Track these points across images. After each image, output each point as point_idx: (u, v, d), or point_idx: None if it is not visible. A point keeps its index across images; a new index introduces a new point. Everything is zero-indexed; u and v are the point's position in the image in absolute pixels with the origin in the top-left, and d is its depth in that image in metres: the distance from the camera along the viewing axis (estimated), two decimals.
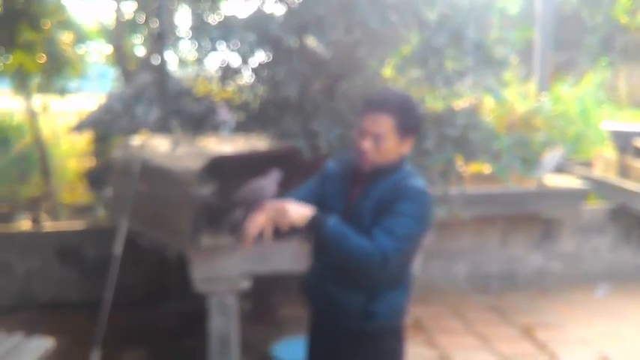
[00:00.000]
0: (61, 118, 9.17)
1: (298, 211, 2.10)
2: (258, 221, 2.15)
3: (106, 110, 5.04)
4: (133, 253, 3.95)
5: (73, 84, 8.93)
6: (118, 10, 7.74)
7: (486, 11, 4.21)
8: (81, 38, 9.07)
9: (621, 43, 12.51)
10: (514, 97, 8.06)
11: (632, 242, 6.12)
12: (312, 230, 2.12)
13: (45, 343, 3.53)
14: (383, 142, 2.18)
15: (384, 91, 2.64)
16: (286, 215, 2.09)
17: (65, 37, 8.44)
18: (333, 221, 2.10)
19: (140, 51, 8.47)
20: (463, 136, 3.86)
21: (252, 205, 2.20)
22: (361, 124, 2.22)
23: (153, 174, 3.67)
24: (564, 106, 8.27)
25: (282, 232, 2.21)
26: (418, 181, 2.24)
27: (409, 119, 2.22)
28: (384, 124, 2.17)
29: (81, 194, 6.59)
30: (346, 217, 2.18)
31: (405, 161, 2.31)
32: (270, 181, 2.29)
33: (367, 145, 2.19)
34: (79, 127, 5.40)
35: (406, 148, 2.25)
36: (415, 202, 2.16)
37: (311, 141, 3.56)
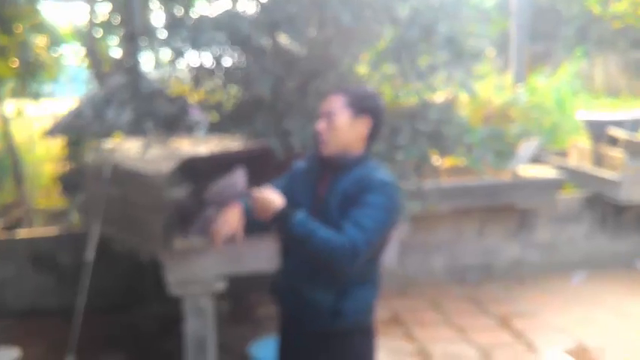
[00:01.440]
0: (37, 123, 9.06)
1: (277, 201, 2.13)
2: (229, 220, 2.17)
3: (76, 114, 4.99)
4: (108, 258, 3.92)
5: (47, 88, 8.83)
6: (92, 12, 7.66)
7: (458, 5, 4.23)
8: (56, 41, 8.95)
9: (596, 33, 12.62)
10: (490, 90, 8.10)
11: (607, 230, 6.18)
12: (279, 225, 2.14)
13: (12, 354, 3.47)
14: (335, 119, 2.24)
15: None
16: (270, 205, 2.12)
17: (39, 41, 8.34)
18: (300, 216, 2.12)
19: (116, 53, 8.39)
20: (436, 131, 3.88)
21: (224, 203, 2.21)
22: (319, 111, 2.32)
23: (124, 177, 3.65)
24: (540, 96, 8.31)
25: (253, 230, 2.24)
26: (383, 174, 2.26)
27: (360, 98, 2.30)
28: (335, 102, 2.27)
29: (56, 199, 6.52)
30: (314, 212, 2.20)
31: (370, 156, 2.35)
32: (238, 177, 2.28)
33: (321, 125, 2.26)
34: (51, 132, 5.34)
35: (361, 128, 2.27)
36: (381, 194, 2.18)
37: (284, 140, 3.55)
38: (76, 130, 4.96)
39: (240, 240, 2.22)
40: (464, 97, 5.65)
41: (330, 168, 2.29)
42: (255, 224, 2.25)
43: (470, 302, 5.40)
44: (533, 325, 4.89)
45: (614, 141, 6.02)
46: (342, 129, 2.24)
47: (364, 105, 2.28)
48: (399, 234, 3.63)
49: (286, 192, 2.31)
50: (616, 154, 5.90)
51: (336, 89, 2.38)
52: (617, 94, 10.73)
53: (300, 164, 2.45)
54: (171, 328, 4.06)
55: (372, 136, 2.32)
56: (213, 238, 2.21)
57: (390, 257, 2.40)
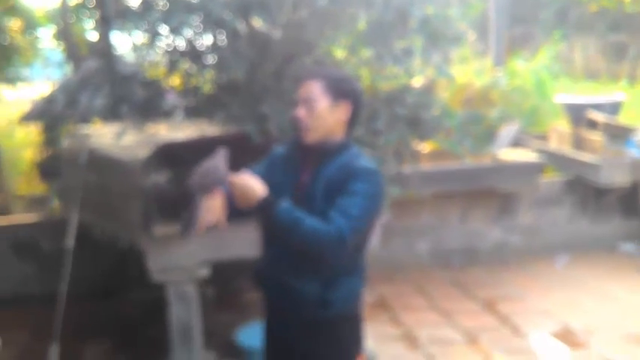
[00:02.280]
0: (14, 108, 8.93)
1: (259, 189, 2.09)
2: (212, 208, 2.13)
3: (50, 100, 4.90)
4: (90, 244, 3.87)
5: (24, 72, 8.70)
6: None
7: None
8: (30, 24, 8.79)
9: (575, 16, 12.64)
10: (470, 73, 8.09)
11: (588, 213, 6.22)
12: (262, 214, 2.11)
13: None
14: (315, 106, 2.19)
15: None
16: (251, 193, 2.08)
17: (13, 24, 8.19)
18: (284, 205, 2.08)
19: (91, 36, 8.26)
20: (415, 115, 3.85)
21: (208, 188, 2.15)
22: (296, 98, 2.27)
23: (101, 164, 3.60)
24: (520, 80, 8.31)
25: (236, 216, 2.20)
26: (367, 161, 2.24)
27: (338, 82, 2.25)
28: (313, 88, 2.21)
29: (36, 186, 6.43)
30: (296, 200, 2.15)
31: (352, 142, 2.31)
32: (220, 159, 2.22)
33: (301, 112, 2.22)
34: (27, 118, 5.25)
35: (342, 114, 2.24)
36: (367, 182, 2.16)
37: (261, 125, 3.51)
38: (50, 116, 4.88)
39: (223, 228, 2.18)
40: (443, 81, 5.64)
41: (311, 155, 2.24)
42: (238, 211, 2.20)
43: (455, 286, 5.42)
44: (518, 309, 4.91)
45: (593, 124, 6.04)
46: (323, 116, 2.20)
47: (343, 89, 2.24)
48: (381, 219, 3.60)
49: (265, 178, 2.27)
50: (596, 137, 5.92)
51: (308, 73, 2.35)
52: (596, 77, 10.77)
53: (279, 150, 2.39)
54: (157, 314, 4.03)
55: (353, 121, 2.29)
56: (196, 226, 2.16)
57: (372, 241, 2.36)
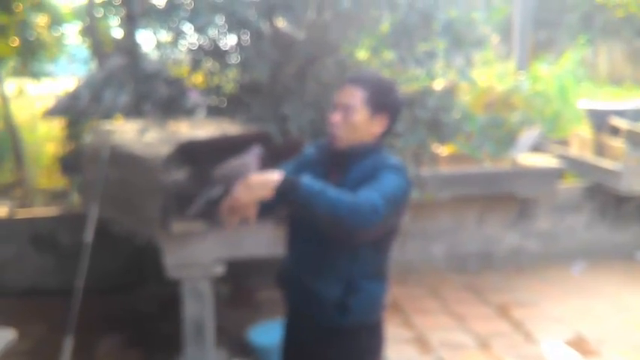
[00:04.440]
0: (38, 102, 9.05)
1: (274, 175, 1.97)
2: (241, 203, 2.01)
3: (74, 96, 4.97)
4: (108, 239, 3.91)
5: (48, 67, 8.79)
6: None
7: None
8: (57, 20, 8.90)
9: (600, 21, 12.52)
10: (493, 77, 8.06)
11: (607, 220, 6.17)
12: (285, 196, 1.96)
13: (7, 335, 3.46)
14: (352, 115, 2.14)
15: (363, 70, 2.62)
16: (268, 180, 1.95)
17: (40, 20, 8.29)
18: (305, 179, 1.97)
19: (117, 33, 8.34)
20: (436, 118, 3.86)
21: (232, 184, 2.08)
22: (335, 100, 2.20)
23: (122, 160, 3.64)
24: (543, 84, 8.25)
25: (266, 213, 2.12)
26: (395, 159, 2.21)
27: (381, 95, 2.17)
28: (355, 96, 2.15)
29: (57, 180, 6.52)
30: None
31: (383, 146, 2.27)
32: (252, 157, 2.19)
33: (337, 117, 2.16)
34: (50, 113, 5.33)
35: (378, 127, 2.19)
36: (395, 174, 2.11)
37: (281, 125, 3.53)
38: (74, 112, 4.94)
39: (252, 220, 2.07)
40: (465, 85, 5.63)
41: (341, 158, 2.21)
42: (269, 208, 2.11)
43: (469, 291, 5.40)
44: (531, 315, 4.89)
45: (615, 131, 5.98)
46: (359, 127, 2.15)
47: (384, 102, 2.17)
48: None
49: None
50: (617, 144, 5.87)
51: (354, 77, 2.24)
52: (620, 83, 10.66)
53: (310, 151, 2.35)
54: (171, 310, 4.07)
55: (388, 131, 2.25)
56: (225, 222, 2.07)
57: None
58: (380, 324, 2.32)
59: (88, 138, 4.21)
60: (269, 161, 2.36)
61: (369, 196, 1.96)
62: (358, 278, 2.17)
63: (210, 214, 2.16)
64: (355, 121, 2.15)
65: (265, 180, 1.96)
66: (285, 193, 1.95)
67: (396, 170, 2.13)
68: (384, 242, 2.22)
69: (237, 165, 2.16)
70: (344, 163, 2.19)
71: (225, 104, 3.99)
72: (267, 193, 1.96)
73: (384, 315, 2.33)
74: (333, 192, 1.95)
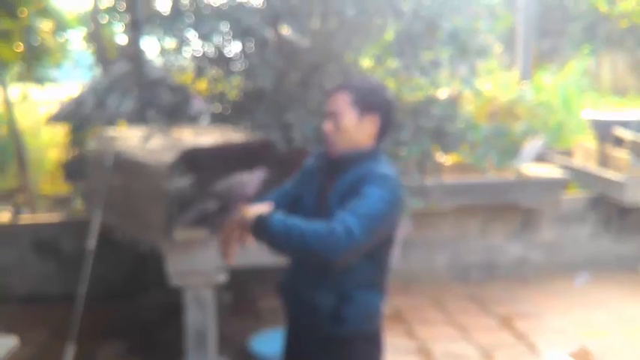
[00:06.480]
0: (42, 108, 9.07)
1: (253, 211, 2.06)
2: (230, 238, 2.11)
3: (79, 102, 4.98)
4: (111, 246, 3.90)
5: (53, 73, 8.82)
6: None
7: (463, 1, 4.18)
8: (61, 26, 8.93)
9: (604, 31, 12.53)
10: (497, 86, 8.05)
11: (611, 231, 6.14)
12: (258, 236, 2.04)
13: (9, 342, 3.45)
14: (341, 119, 2.16)
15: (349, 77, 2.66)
16: (245, 221, 2.05)
17: (44, 26, 8.31)
18: (276, 218, 2.01)
19: (121, 40, 8.37)
20: (439, 127, 3.85)
21: (230, 200, 2.15)
22: (326, 110, 2.23)
23: (126, 166, 3.63)
24: (546, 94, 8.26)
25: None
26: (386, 168, 2.18)
27: (367, 95, 2.19)
28: (341, 101, 2.18)
29: (60, 185, 6.52)
30: (318, 212, 2.14)
31: (379, 151, 2.26)
32: (253, 178, 2.23)
33: (328, 125, 2.19)
34: (55, 119, 5.33)
35: (370, 127, 2.19)
36: (380, 186, 2.08)
37: (285, 133, 3.53)
38: (78, 118, 4.95)
39: (249, 241, 2.12)
40: (469, 94, 5.62)
41: (337, 166, 2.22)
42: None
43: (472, 301, 5.38)
44: (535, 326, 4.85)
45: (619, 141, 5.97)
46: (349, 130, 2.17)
47: (371, 102, 2.19)
48: (401, 231, 3.60)
49: (293, 193, 2.28)
50: (621, 154, 5.85)
51: (339, 85, 2.28)
52: (624, 93, 10.66)
53: (309, 163, 2.37)
54: (173, 317, 4.05)
55: (383, 131, 2.24)
56: (225, 256, 2.16)
57: (393, 257, 2.33)
58: (378, 334, 2.31)
59: (91, 144, 4.21)
60: (273, 171, 2.37)
61: (344, 219, 1.96)
62: (351, 288, 2.17)
63: (205, 223, 2.19)
64: (345, 124, 2.17)
65: (242, 220, 2.05)
66: (257, 234, 2.03)
67: (382, 182, 2.10)
68: (378, 253, 2.20)
69: (236, 183, 2.20)
70: (339, 171, 2.21)
71: (229, 111, 3.98)
72: (246, 232, 2.06)
73: (382, 325, 2.32)
74: (303, 226, 1.98)
